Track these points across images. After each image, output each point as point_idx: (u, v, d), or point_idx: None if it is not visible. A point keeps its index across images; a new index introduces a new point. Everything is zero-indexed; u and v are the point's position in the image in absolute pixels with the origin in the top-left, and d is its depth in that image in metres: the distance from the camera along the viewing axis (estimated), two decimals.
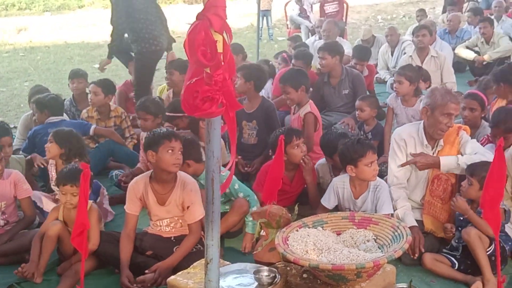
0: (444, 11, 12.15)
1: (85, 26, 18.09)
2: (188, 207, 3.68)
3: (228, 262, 3.12)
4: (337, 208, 4.03)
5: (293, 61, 7.06)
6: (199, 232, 3.71)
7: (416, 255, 3.69)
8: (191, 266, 3.12)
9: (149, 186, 3.75)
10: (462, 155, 3.94)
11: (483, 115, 5.01)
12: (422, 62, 7.26)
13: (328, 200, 4.05)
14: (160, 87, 7.37)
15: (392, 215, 3.79)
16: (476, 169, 3.64)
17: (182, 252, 3.63)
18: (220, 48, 1.92)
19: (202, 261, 2.12)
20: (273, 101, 6.08)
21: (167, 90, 6.72)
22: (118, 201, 4.69)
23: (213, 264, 2.07)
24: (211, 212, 2.05)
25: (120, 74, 9.93)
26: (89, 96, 6.17)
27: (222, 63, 1.93)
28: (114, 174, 5.10)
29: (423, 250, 3.71)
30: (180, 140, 3.74)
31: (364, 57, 7.87)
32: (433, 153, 4.02)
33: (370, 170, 3.84)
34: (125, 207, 3.80)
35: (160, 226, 3.82)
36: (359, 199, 3.94)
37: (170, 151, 3.63)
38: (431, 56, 7.27)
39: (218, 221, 2.05)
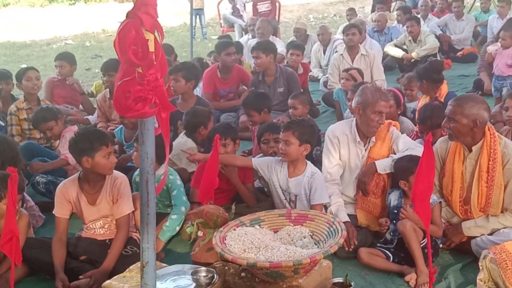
0: (373, 10, 12.46)
1: (10, 25, 17.45)
2: (116, 201, 3.64)
3: (165, 264, 3.08)
4: (273, 206, 4.07)
5: (227, 51, 7.02)
6: (127, 228, 3.67)
7: (351, 248, 3.78)
8: (127, 270, 3.06)
9: (79, 187, 3.68)
10: (394, 150, 4.06)
11: (399, 112, 5.19)
12: (352, 61, 7.42)
13: (261, 171, 4.10)
14: (97, 82, 7.22)
15: (326, 207, 3.87)
16: (405, 173, 3.75)
17: (115, 252, 3.56)
18: (151, 47, 1.89)
19: (138, 264, 2.07)
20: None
21: (104, 88, 6.58)
22: (45, 208, 4.50)
23: (149, 267, 2.03)
24: (146, 215, 2.01)
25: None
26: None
27: (154, 63, 1.90)
28: (36, 180, 4.74)
29: (356, 243, 3.80)
30: (112, 142, 3.67)
31: (300, 47, 7.95)
32: (365, 149, 4.11)
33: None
34: (54, 211, 3.70)
35: (94, 228, 3.74)
36: (293, 180, 3.97)
37: (107, 157, 3.58)
38: (361, 54, 7.44)
39: (153, 224, 2.02)
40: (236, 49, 7.34)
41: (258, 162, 4.18)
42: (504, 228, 3.63)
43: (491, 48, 7.76)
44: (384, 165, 3.98)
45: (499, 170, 3.61)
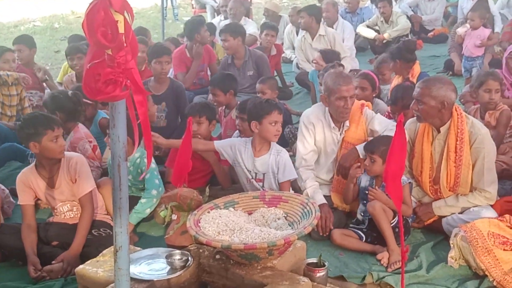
0: None
1: None
2: (75, 180, 3.64)
3: (139, 248, 3.06)
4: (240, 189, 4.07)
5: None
6: (92, 206, 3.68)
7: (326, 233, 3.81)
8: (100, 254, 3.03)
9: (36, 173, 3.66)
10: (371, 132, 4.09)
11: (374, 94, 5.22)
12: (312, 41, 7.50)
13: (225, 154, 4.10)
14: (65, 64, 7.07)
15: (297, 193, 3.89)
16: (374, 146, 3.78)
17: (82, 232, 3.58)
18: (121, 29, 1.85)
19: (112, 248, 2.05)
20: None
21: (70, 72, 6.46)
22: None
23: (123, 251, 2.01)
24: (119, 199, 1.99)
25: None
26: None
27: (125, 44, 1.86)
28: None
29: (332, 228, 3.83)
30: (59, 125, 3.66)
31: (274, 28, 7.92)
32: (340, 134, 4.13)
33: (273, 129, 3.91)
34: (18, 201, 3.71)
35: (63, 213, 3.73)
36: (259, 159, 3.98)
37: (54, 140, 3.56)
38: (319, 35, 7.47)
39: (126, 208, 2.00)
40: (208, 30, 7.29)
41: (221, 144, 4.17)
42: (474, 206, 3.70)
43: (460, 30, 7.83)
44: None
45: (466, 149, 3.66)
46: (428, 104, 3.65)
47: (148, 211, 3.98)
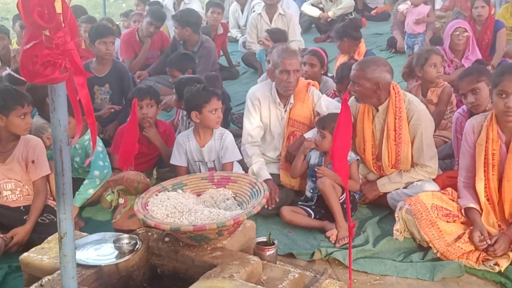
0: None
1: None
2: (32, 162, 3.61)
3: (85, 234, 3.00)
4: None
5: (147, 18, 6.81)
6: (46, 190, 3.68)
7: (272, 206, 3.84)
8: (45, 241, 2.95)
9: None
10: (318, 113, 4.12)
11: (323, 72, 5.27)
12: (270, 20, 7.41)
13: (178, 158, 4.05)
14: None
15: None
16: (326, 122, 3.82)
17: (35, 213, 3.59)
18: (59, 8, 1.78)
19: (57, 235, 2.00)
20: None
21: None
22: None
23: (68, 238, 1.97)
24: (62, 184, 1.93)
25: None
26: None
27: (63, 25, 1.79)
28: None
29: (277, 200, 3.87)
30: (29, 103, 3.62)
31: (220, 5, 7.83)
32: (285, 111, 4.15)
33: (214, 117, 3.90)
34: None
35: (6, 195, 3.64)
36: (205, 148, 3.98)
37: (22, 117, 3.53)
38: (279, 14, 7.43)
39: (70, 194, 1.94)
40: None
41: (173, 156, 4.10)
42: (417, 181, 3.80)
43: (402, 7, 7.98)
44: (314, 135, 4.03)
45: (405, 127, 3.74)
46: (364, 86, 3.70)
47: (91, 191, 3.92)
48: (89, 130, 3.91)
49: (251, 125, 4.16)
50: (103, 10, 9.78)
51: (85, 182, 3.93)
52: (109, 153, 4.28)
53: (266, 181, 3.81)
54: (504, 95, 3.16)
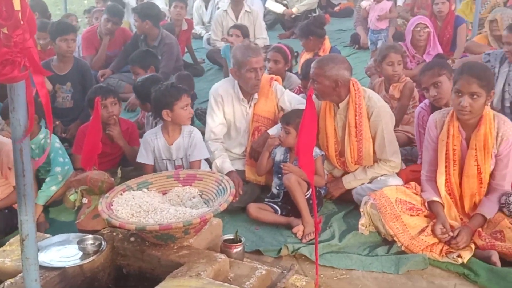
0: None
1: None
2: (9, 168, 3.51)
3: (48, 235, 2.94)
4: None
5: (104, 15, 6.72)
6: None
7: (236, 198, 3.83)
8: (7, 244, 2.89)
9: None
10: (282, 108, 4.14)
11: (287, 68, 5.29)
12: (237, 17, 7.39)
13: (145, 157, 4.01)
14: None
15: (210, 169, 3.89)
16: (290, 117, 3.84)
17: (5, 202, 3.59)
18: (17, 6, 1.73)
19: (18, 237, 1.96)
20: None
21: None
22: None
23: (30, 240, 1.92)
24: (23, 186, 1.88)
25: None
26: None
27: (21, 22, 1.75)
28: None
29: (241, 193, 3.87)
30: None
31: (183, 0, 7.78)
32: (250, 107, 4.15)
33: (186, 113, 3.88)
34: None
35: None
36: (174, 145, 3.96)
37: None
38: (245, 11, 7.42)
39: (31, 195, 1.90)
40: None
41: (140, 155, 4.06)
42: (381, 176, 3.85)
43: (364, 3, 8.06)
44: (278, 131, 4.03)
45: (365, 123, 3.79)
46: (323, 83, 3.73)
47: (54, 188, 3.85)
48: (43, 129, 3.87)
49: (214, 122, 4.15)
50: (64, 7, 9.59)
51: (47, 179, 3.86)
52: (71, 153, 4.22)
53: (229, 173, 3.83)
54: (460, 94, 3.23)
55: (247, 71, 4.00)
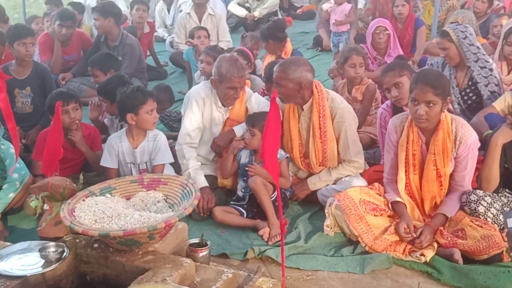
0: None
1: None
2: None
3: (9, 243, 2.87)
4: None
5: (57, 22, 6.61)
6: None
7: (207, 213, 3.82)
8: None
9: None
10: (248, 109, 4.14)
11: (250, 71, 5.31)
12: (200, 20, 7.37)
13: (109, 160, 3.96)
14: None
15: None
16: (255, 119, 3.84)
17: None
18: None
19: None
20: None
21: None
22: None
23: None
24: None
25: None
26: None
27: None
28: None
29: (211, 207, 3.84)
30: None
31: (145, 3, 7.72)
32: (226, 112, 4.14)
33: (151, 117, 3.85)
34: None
35: None
36: (138, 149, 3.93)
37: None
38: (209, 14, 7.40)
39: None
40: (75, 9, 6.96)
41: (104, 158, 4.01)
42: (346, 176, 3.88)
43: (325, 5, 8.13)
44: (243, 130, 4.04)
45: (329, 125, 3.82)
46: (287, 86, 3.75)
47: (12, 195, 3.78)
48: None
49: (192, 125, 4.06)
50: (23, 10, 9.40)
51: (4, 186, 3.78)
52: (30, 160, 4.12)
53: (202, 189, 3.78)
54: (416, 102, 3.28)
55: (227, 88, 3.98)
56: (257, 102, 4.20)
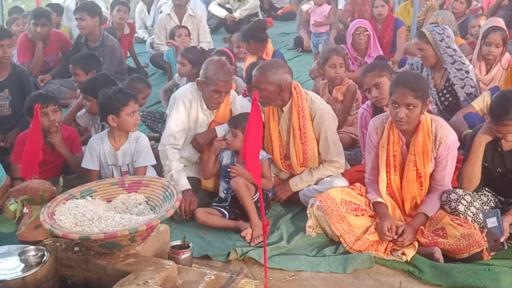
0: None
1: None
2: None
3: None
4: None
5: (31, 21, 6.53)
6: None
7: (189, 215, 3.80)
8: None
9: None
10: (232, 111, 4.13)
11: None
12: (180, 21, 7.35)
13: (90, 162, 3.93)
14: None
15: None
16: (238, 121, 3.84)
17: None
18: None
19: None
20: None
21: None
22: None
23: None
24: None
25: None
26: None
27: None
28: None
29: (193, 209, 3.83)
30: None
31: (126, 4, 7.68)
32: (211, 114, 4.12)
33: (132, 119, 3.83)
34: None
35: None
36: (120, 151, 3.91)
37: None
38: (189, 15, 7.38)
39: None
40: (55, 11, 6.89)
41: (86, 160, 3.98)
42: (327, 177, 3.90)
43: (305, 6, 8.16)
44: (225, 130, 4.03)
45: (309, 126, 3.83)
46: (267, 90, 3.76)
47: None
48: None
49: (177, 126, 4.03)
50: (1, 12, 9.29)
51: None
52: (9, 162, 4.07)
53: (184, 191, 3.77)
54: (396, 105, 3.31)
55: (212, 91, 3.95)
56: (242, 105, 4.20)
